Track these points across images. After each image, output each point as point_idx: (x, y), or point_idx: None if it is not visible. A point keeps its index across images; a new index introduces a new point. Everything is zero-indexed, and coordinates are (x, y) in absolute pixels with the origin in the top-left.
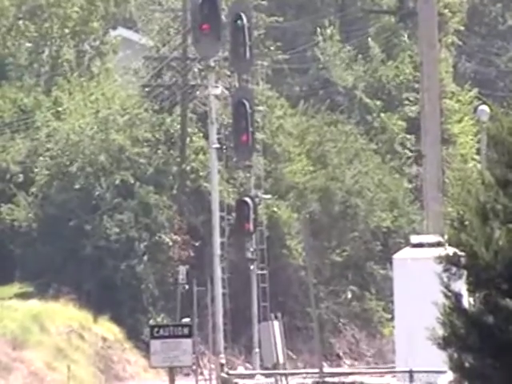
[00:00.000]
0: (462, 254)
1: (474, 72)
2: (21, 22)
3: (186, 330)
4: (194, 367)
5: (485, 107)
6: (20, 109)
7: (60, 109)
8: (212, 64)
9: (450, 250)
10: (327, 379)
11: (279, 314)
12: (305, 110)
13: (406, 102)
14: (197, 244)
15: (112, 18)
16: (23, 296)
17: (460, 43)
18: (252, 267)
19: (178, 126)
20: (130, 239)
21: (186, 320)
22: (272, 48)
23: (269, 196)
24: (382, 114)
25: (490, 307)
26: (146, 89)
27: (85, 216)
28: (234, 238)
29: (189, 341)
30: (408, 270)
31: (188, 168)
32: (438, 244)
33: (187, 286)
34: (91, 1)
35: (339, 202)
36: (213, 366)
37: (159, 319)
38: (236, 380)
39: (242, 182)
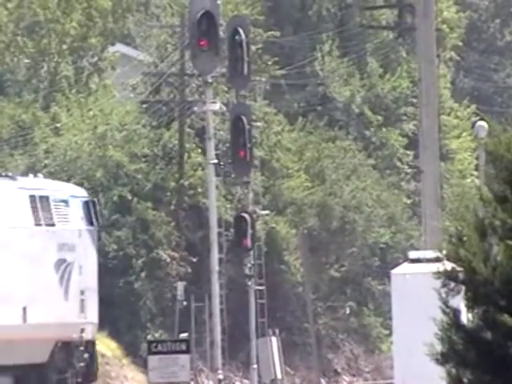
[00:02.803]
0: (461, 269)
1: (472, 88)
2: (19, 38)
3: (183, 346)
4: (192, 383)
5: (483, 123)
6: (18, 125)
7: (58, 125)
8: (210, 80)
9: (449, 266)
10: None
11: (277, 330)
12: (303, 125)
13: (404, 118)
14: (195, 260)
15: (110, 34)
16: None
17: (458, 59)
18: (250, 283)
19: (176, 142)
20: (127, 256)
21: (184, 335)
22: (270, 63)
23: (267, 212)
24: (381, 130)
25: (489, 323)
26: (144, 105)
27: None
28: (232, 253)
29: (187, 356)
30: (406, 285)
31: (186, 184)
32: (436, 259)
33: (185, 302)
34: (89, 17)
35: (337, 217)
36: (211, 383)
37: (157, 335)
38: None
39: (239, 198)
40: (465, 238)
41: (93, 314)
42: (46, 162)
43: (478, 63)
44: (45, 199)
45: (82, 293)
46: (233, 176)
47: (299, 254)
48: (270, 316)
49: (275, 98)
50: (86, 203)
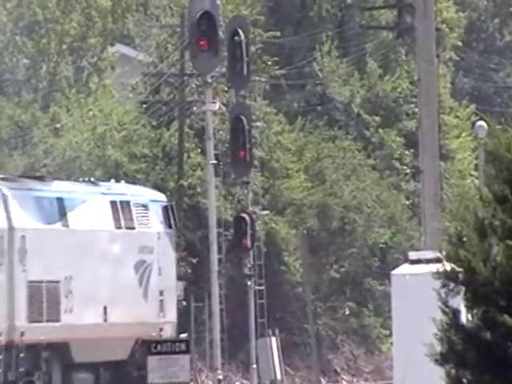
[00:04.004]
0: (460, 269)
1: (472, 88)
2: (18, 37)
3: (183, 346)
4: (192, 383)
5: (482, 123)
6: (17, 125)
7: (57, 125)
8: (209, 80)
9: (448, 266)
10: None
11: (277, 330)
12: (302, 125)
13: (404, 117)
14: (194, 260)
15: (110, 34)
16: None
17: (458, 59)
18: (249, 283)
19: (176, 142)
20: None
21: (183, 335)
22: (269, 63)
23: (266, 212)
24: (380, 130)
25: (488, 323)
26: (144, 105)
27: None
28: (232, 254)
29: (187, 356)
30: (406, 286)
31: (185, 184)
32: (436, 260)
33: (185, 302)
34: (89, 17)
35: (337, 217)
36: (210, 383)
37: None
38: None
39: (239, 198)
40: (464, 239)
41: (171, 313)
42: (45, 162)
43: (477, 63)
44: (125, 204)
45: (161, 293)
46: (232, 176)
47: (299, 255)
48: (270, 316)
49: (275, 98)
50: (165, 207)
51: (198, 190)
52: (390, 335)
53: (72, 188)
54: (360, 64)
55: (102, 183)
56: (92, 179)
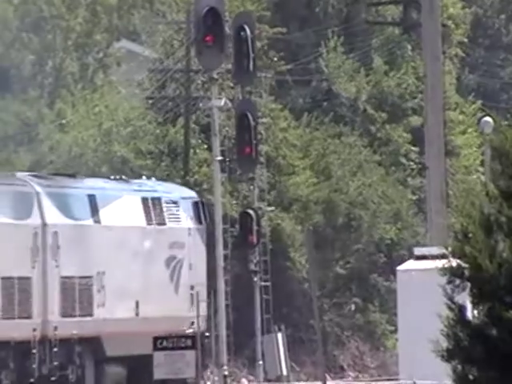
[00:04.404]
0: (466, 266)
1: (478, 84)
2: (24, 34)
3: (189, 342)
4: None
5: (488, 119)
6: (23, 121)
7: (63, 121)
8: (215, 76)
9: (454, 262)
10: None
11: (283, 326)
12: (308, 122)
13: (409, 112)
14: None
15: (116, 30)
16: None
17: (464, 55)
18: (255, 279)
19: (182, 138)
20: None
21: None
22: (275, 60)
23: (272, 208)
24: (386, 126)
25: (494, 319)
26: (150, 101)
27: None
28: (238, 250)
29: (192, 352)
30: (412, 282)
31: (191, 180)
32: (442, 256)
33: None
34: (95, 13)
35: (343, 213)
36: (216, 379)
37: None
38: None
39: (245, 195)
40: (470, 235)
41: (202, 307)
42: (52, 158)
43: (483, 59)
44: (156, 200)
45: (192, 288)
46: (238, 172)
47: (304, 251)
48: (276, 312)
49: (281, 94)
50: (196, 203)
51: (204, 186)
52: (396, 331)
53: (104, 185)
54: (366, 60)
55: (133, 180)
56: (124, 177)
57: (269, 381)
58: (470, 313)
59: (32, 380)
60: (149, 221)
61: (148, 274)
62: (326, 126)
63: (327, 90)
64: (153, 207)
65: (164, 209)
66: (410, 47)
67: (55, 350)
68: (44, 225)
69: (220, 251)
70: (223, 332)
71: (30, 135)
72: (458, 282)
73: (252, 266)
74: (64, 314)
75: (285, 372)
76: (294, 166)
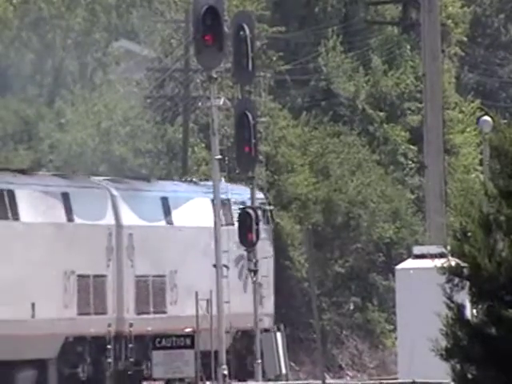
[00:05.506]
0: (465, 265)
1: (477, 83)
2: (24, 33)
3: (188, 341)
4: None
5: (487, 118)
6: (23, 120)
7: (62, 120)
8: (214, 75)
9: (453, 261)
10: None
11: (282, 325)
12: (307, 121)
13: (408, 112)
14: None
15: (114, 29)
16: None
17: (463, 54)
18: (254, 278)
19: (180, 137)
20: None
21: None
22: (274, 59)
23: (271, 207)
24: (385, 125)
25: (493, 318)
26: (149, 100)
27: None
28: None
29: (191, 351)
30: (410, 281)
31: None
32: (441, 255)
33: None
34: (93, 12)
35: (342, 213)
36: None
37: None
38: None
39: None
40: (469, 234)
41: (269, 305)
42: (51, 157)
43: (482, 58)
44: (225, 201)
45: (260, 286)
46: (237, 171)
47: (304, 250)
48: (275, 311)
49: (280, 93)
50: (263, 204)
51: None
52: (395, 330)
53: (175, 188)
54: (365, 59)
55: (203, 182)
56: (194, 179)
57: (268, 380)
58: (469, 312)
59: (107, 374)
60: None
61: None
62: (324, 125)
63: (326, 90)
64: (222, 208)
65: (232, 209)
66: (408, 47)
67: (130, 345)
68: (119, 226)
69: (219, 250)
70: (223, 331)
71: (30, 134)
72: (457, 281)
73: (251, 265)
74: (139, 311)
75: (284, 371)
76: (292, 165)
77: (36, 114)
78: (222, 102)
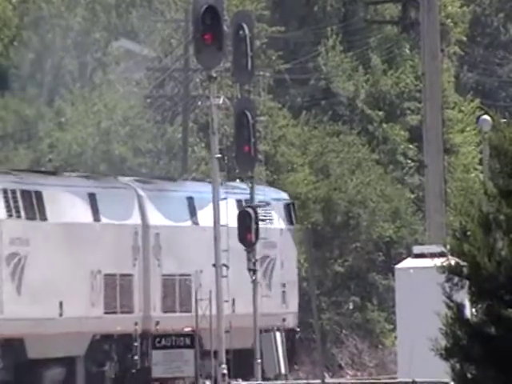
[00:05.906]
0: (465, 264)
1: (476, 82)
2: (23, 32)
3: (188, 340)
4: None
5: (487, 117)
6: (23, 119)
7: (62, 119)
8: (214, 74)
9: (453, 261)
10: None
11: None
12: (307, 120)
13: (408, 112)
14: None
15: (114, 29)
16: None
17: (462, 53)
18: (254, 277)
19: (180, 137)
20: None
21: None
22: (274, 58)
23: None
24: (384, 125)
25: (493, 318)
26: (148, 99)
27: None
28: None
29: (191, 351)
30: (410, 280)
31: (189, 179)
32: (440, 254)
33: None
34: (93, 12)
35: (341, 212)
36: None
37: None
38: None
39: None
40: (469, 233)
41: (293, 304)
42: (51, 156)
43: (482, 57)
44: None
45: (284, 285)
46: (237, 171)
47: (303, 249)
48: None
49: (279, 92)
50: (287, 205)
51: None
52: (394, 329)
53: (201, 188)
54: (364, 59)
55: (228, 183)
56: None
57: (267, 379)
58: (469, 311)
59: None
60: None
61: (242, 272)
62: (324, 124)
63: (325, 89)
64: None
65: (257, 210)
66: (408, 46)
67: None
68: (146, 226)
69: (219, 249)
70: (222, 330)
71: (30, 133)
72: (456, 280)
73: (251, 265)
74: (165, 310)
75: (283, 370)
76: (292, 164)
77: (36, 113)
78: (221, 102)
